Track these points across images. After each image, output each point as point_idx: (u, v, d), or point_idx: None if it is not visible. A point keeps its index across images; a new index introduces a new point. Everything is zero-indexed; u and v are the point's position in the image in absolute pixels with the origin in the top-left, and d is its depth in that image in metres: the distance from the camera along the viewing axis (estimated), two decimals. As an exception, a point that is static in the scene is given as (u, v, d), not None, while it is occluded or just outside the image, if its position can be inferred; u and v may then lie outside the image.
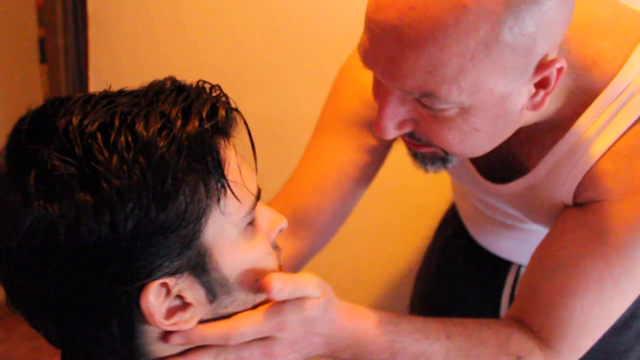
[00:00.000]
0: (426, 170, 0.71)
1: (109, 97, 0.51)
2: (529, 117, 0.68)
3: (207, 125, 0.51)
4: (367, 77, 0.75)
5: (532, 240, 0.95)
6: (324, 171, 0.82)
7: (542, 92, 0.62)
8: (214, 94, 0.54)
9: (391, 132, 0.63)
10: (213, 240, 0.52)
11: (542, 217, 0.81)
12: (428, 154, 0.69)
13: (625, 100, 0.68)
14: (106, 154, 0.47)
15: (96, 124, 0.48)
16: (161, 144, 0.48)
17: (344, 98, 0.83)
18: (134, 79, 1.50)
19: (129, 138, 0.47)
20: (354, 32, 1.37)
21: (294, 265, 0.83)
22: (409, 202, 1.38)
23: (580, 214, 0.71)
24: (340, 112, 0.83)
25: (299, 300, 0.58)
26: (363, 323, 0.64)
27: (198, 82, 0.55)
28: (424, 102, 0.59)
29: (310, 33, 1.36)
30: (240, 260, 0.54)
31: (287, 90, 1.41)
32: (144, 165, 0.47)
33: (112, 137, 0.47)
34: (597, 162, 0.69)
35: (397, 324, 0.66)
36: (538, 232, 0.91)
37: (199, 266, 0.52)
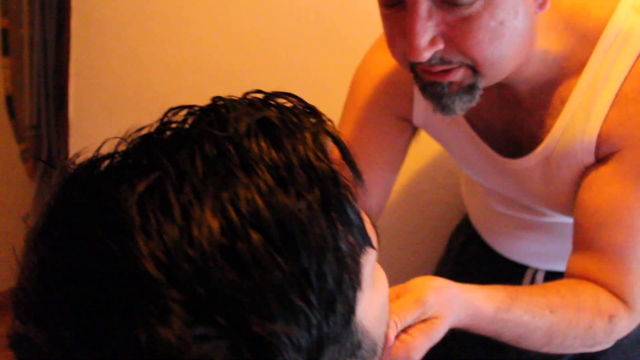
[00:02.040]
0: (453, 111, 0.71)
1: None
2: (537, 60, 0.71)
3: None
4: (379, 65, 0.83)
5: (548, 240, 0.94)
6: (362, 167, 0.81)
7: None
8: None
9: (426, 50, 0.64)
10: (362, 314, 0.44)
11: (561, 192, 0.80)
12: (456, 84, 0.69)
13: (621, 44, 0.70)
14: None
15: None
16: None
17: (362, 90, 0.86)
18: (123, 78, 1.42)
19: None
20: (365, 31, 1.34)
21: None
22: (420, 214, 1.36)
23: (609, 167, 0.73)
24: (360, 104, 0.86)
25: (418, 332, 0.62)
26: (477, 319, 0.68)
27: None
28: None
29: (323, 30, 1.31)
30: (376, 312, 0.47)
31: (301, 92, 1.34)
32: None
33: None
34: (609, 110, 0.71)
35: (509, 310, 0.69)
36: (554, 228, 0.92)
37: (357, 345, 0.45)
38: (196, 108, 0.43)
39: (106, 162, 0.41)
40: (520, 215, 0.94)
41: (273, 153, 0.39)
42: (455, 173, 1.23)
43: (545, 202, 0.84)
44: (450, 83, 0.68)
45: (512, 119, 0.77)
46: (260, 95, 0.43)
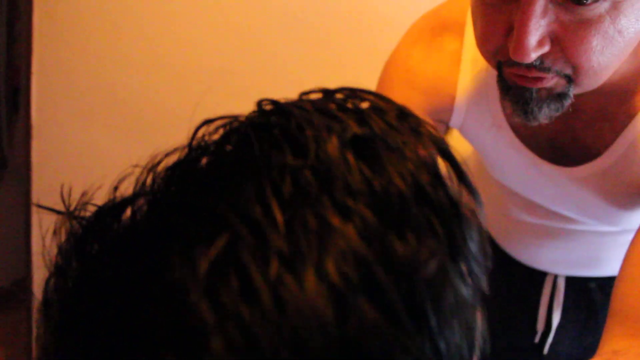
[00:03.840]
0: (537, 119, 0.64)
1: None
2: (619, 72, 0.64)
3: None
4: (418, 64, 0.76)
5: (573, 248, 0.91)
6: None
7: None
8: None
9: (532, 51, 0.57)
10: None
11: (612, 203, 0.75)
12: (546, 91, 0.62)
13: None
14: None
15: None
16: None
17: (396, 90, 0.78)
18: (92, 77, 1.32)
19: None
20: (365, 31, 1.27)
21: None
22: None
23: None
24: None
25: None
26: None
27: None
28: None
29: (320, 28, 1.25)
30: None
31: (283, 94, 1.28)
32: None
33: None
34: None
35: None
36: (582, 235, 0.88)
37: None
38: (237, 120, 0.33)
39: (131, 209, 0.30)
40: (546, 222, 0.89)
41: (376, 185, 0.28)
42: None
43: (588, 211, 0.80)
44: (540, 89, 0.62)
45: (564, 127, 0.71)
46: (331, 99, 0.32)
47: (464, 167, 0.33)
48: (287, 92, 1.25)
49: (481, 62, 0.74)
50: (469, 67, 0.74)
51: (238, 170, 0.29)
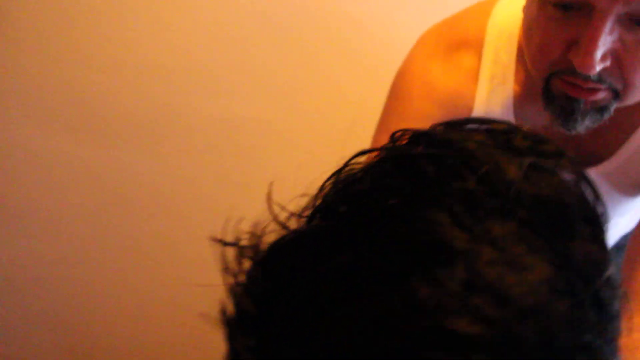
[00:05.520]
0: (576, 130, 0.69)
1: None
2: None
3: None
4: (437, 78, 0.79)
5: None
6: None
7: None
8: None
9: (597, 64, 0.62)
10: None
11: (621, 192, 0.82)
12: (592, 104, 0.67)
13: None
14: None
15: None
16: None
17: (415, 102, 0.81)
18: (44, 78, 1.25)
19: None
20: (349, 34, 1.28)
21: None
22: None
23: None
24: (412, 116, 0.81)
25: None
26: None
27: None
28: None
29: (304, 29, 1.24)
30: None
31: (280, 92, 1.27)
32: None
33: None
34: None
35: None
36: None
37: None
38: (388, 150, 0.35)
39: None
40: None
41: (552, 202, 0.32)
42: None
43: None
44: (587, 101, 0.66)
45: (569, 136, 0.77)
46: (521, 137, 0.35)
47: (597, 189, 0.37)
48: (259, 92, 1.24)
49: (497, 79, 0.78)
50: (486, 83, 0.78)
51: (420, 198, 0.31)
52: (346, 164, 0.36)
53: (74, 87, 1.29)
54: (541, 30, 0.65)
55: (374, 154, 0.36)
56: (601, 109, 0.67)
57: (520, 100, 0.78)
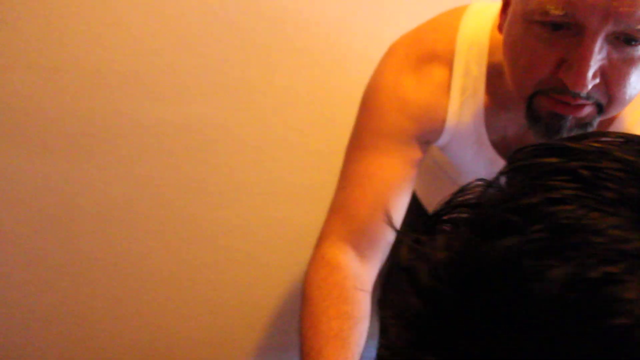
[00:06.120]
0: None
1: None
2: None
3: None
4: (409, 92, 0.80)
5: None
6: (380, 191, 0.83)
7: None
8: None
9: (590, 83, 0.64)
10: None
11: None
12: (579, 119, 0.69)
13: None
14: None
15: None
16: None
17: (388, 117, 0.83)
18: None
19: None
20: (301, 34, 1.26)
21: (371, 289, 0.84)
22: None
23: None
24: (386, 131, 0.82)
25: None
26: None
27: None
28: (636, 36, 0.62)
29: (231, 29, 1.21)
30: None
31: (232, 93, 1.24)
32: None
33: None
34: None
35: None
36: None
37: None
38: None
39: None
40: None
41: None
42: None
43: None
44: (572, 117, 0.68)
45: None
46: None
47: None
48: (208, 92, 1.22)
49: (468, 91, 0.80)
50: (457, 95, 0.79)
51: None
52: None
53: (10, 89, 1.21)
54: (529, 50, 0.66)
55: None
56: (585, 124, 0.69)
57: (491, 111, 0.80)
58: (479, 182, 0.36)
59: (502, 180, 0.36)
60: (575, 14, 0.61)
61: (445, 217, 0.37)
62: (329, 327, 0.73)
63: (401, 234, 0.38)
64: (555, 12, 0.61)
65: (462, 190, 0.37)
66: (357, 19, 1.23)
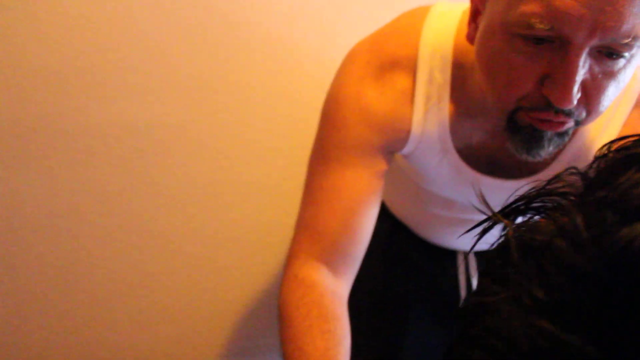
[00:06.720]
0: (540, 156, 0.70)
1: None
2: None
3: None
4: (372, 103, 0.77)
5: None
6: (348, 206, 0.80)
7: None
8: None
9: (575, 98, 0.62)
10: None
11: None
12: (556, 131, 0.68)
13: (621, 95, 0.74)
14: None
15: None
16: None
17: (352, 129, 0.79)
18: None
19: None
20: (259, 35, 1.20)
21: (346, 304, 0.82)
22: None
23: None
24: (350, 143, 0.79)
25: None
26: None
27: None
28: (618, 50, 0.60)
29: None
30: None
31: (192, 95, 1.19)
32: None
33: None
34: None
35: None
36: None
37: None
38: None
39: None
40: (460, 215, 0.97)
41: None
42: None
43: None
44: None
45: (502, 146, 0.76)
46: None
47: None
48: (158, 91, 1.16)
49: (433, 99, 0.76)
50: (421, 104, 0.76)
51: None
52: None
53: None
54: (509, 65, 0.63)
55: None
56: (562, 134, 0.67)
57: (456, 119, 0.77)
58: (572, 170, 0.37)
59: (591, 171, 0.37)
60: (561, 28, 0.58)
61: (535, 205, 0.39)
62: (315, 348, 0.71)
63: (496, 218, 0.41)
64: (540, 26, 0.58)
65: (554, 178, 0.39)
66: (310, 14, 1.18)
